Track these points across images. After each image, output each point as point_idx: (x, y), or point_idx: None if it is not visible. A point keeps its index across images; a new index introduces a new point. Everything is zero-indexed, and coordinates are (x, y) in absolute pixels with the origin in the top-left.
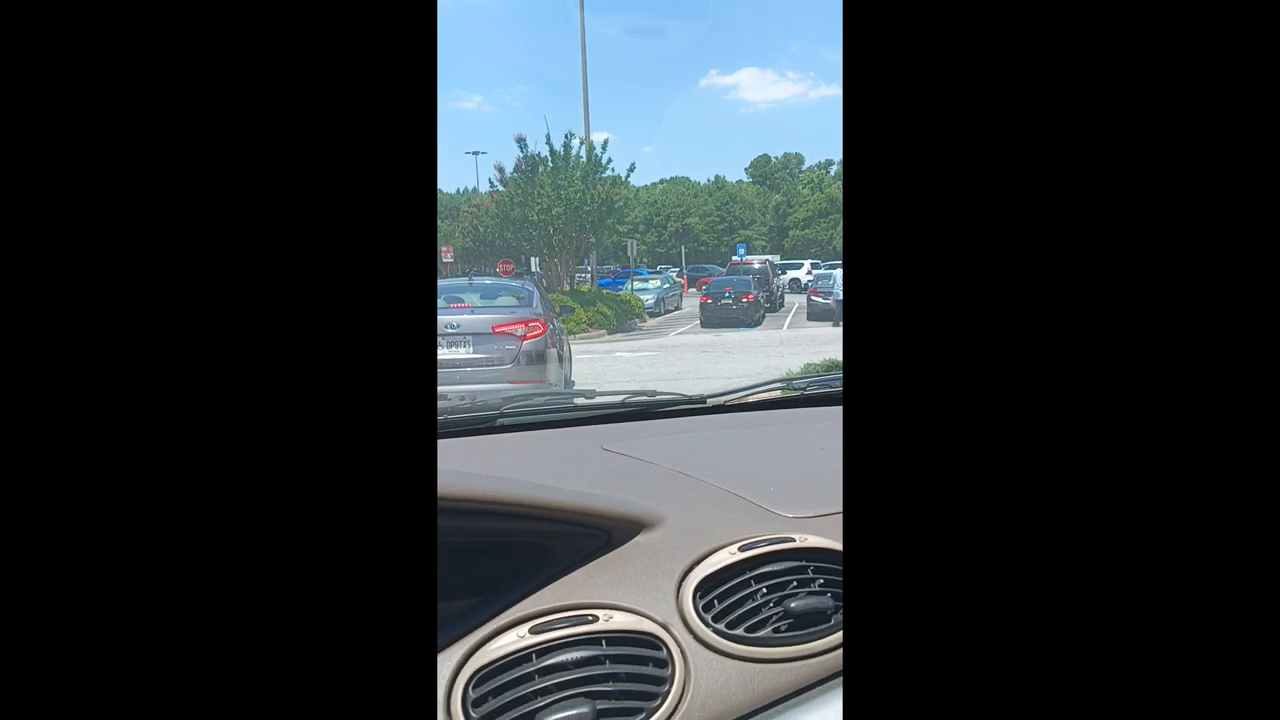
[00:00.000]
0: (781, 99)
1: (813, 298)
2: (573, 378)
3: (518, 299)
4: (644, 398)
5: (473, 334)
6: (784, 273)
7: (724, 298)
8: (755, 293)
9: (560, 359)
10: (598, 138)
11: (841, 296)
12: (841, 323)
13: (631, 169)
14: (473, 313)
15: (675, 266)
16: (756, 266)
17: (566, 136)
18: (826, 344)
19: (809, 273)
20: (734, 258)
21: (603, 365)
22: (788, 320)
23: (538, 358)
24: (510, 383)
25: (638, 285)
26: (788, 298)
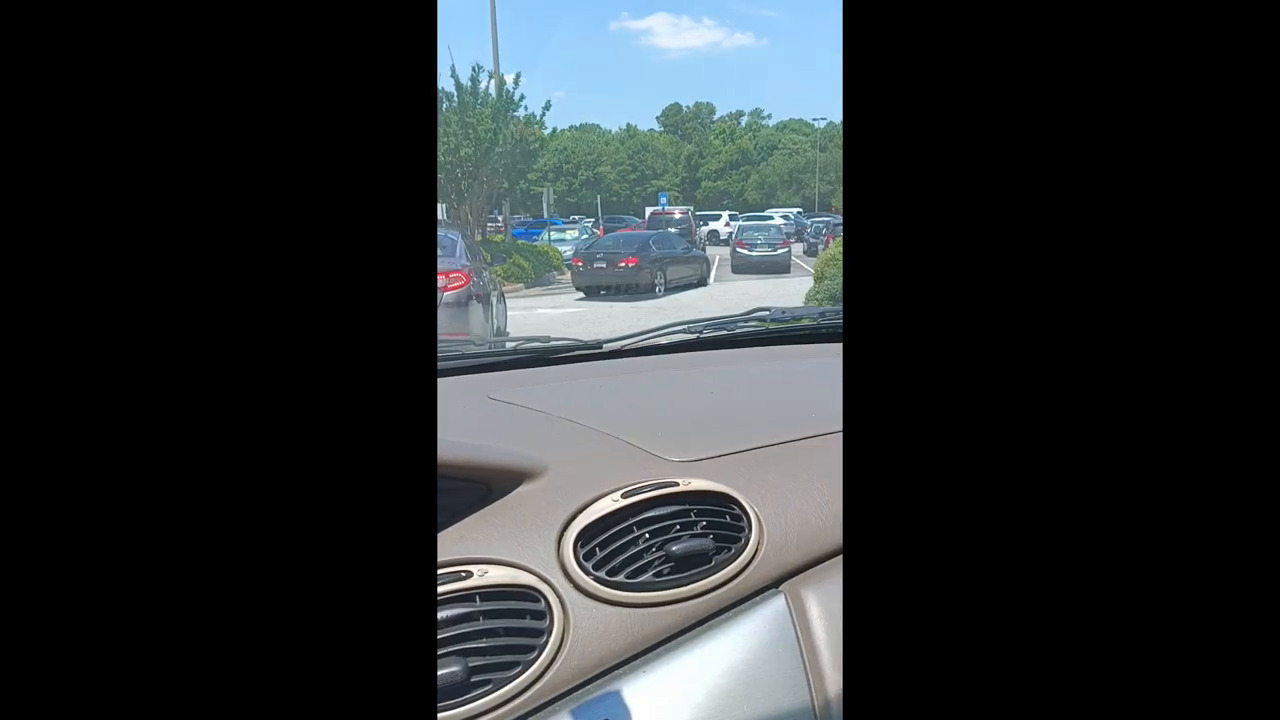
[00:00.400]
0: (695, 46)
1: (738, 249)
2: (507, 328)
3: (438, 249)
4: (536, 344)
5: None
6: (705, 224)
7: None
8: (654, 254)
9: (486, 312)
10: (509, 76)
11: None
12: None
13: (547, 106)
14: None
15: (590, 216)
16: (678, 216)
17: (474, 69)
18: (756, 299)
19: (728, 224)
20: (655, 207)
21: (523, 326)
22: (713, 274)
23: (459, 311)
24: None
25: (555, 236)
26: (709, 249)
